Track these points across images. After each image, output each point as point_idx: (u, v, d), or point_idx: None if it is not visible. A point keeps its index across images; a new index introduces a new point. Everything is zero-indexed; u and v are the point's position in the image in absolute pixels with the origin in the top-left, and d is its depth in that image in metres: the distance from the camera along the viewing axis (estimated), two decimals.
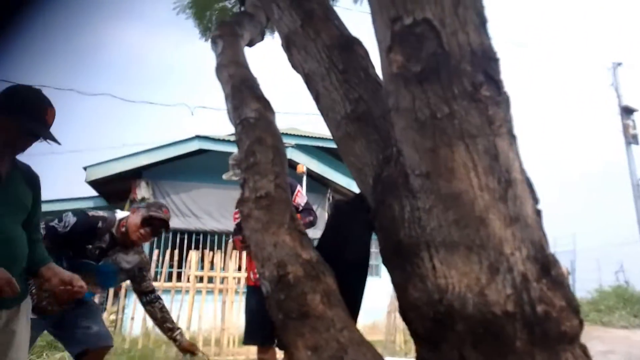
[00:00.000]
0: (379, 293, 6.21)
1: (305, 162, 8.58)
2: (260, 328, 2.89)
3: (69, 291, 1.73)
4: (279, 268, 1.02)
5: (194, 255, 6.66)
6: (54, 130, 1.74)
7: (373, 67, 1.45)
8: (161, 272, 6.75)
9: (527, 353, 0.87)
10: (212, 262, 6.81)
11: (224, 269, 6.87)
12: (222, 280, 6.70)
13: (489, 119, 0.95)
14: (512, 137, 0.99)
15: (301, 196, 3.22)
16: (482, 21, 1.03)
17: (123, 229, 2.41)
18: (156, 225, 2.45)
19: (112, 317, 6.56)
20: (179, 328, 2.68)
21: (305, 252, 1.05)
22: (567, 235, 14.53)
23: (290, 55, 1.58)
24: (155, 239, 8.18)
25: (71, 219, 2.28)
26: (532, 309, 0.88)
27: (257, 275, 1.14)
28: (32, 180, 1.81)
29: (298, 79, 1.59)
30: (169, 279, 6.78)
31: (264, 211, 1.12)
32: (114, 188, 8.72)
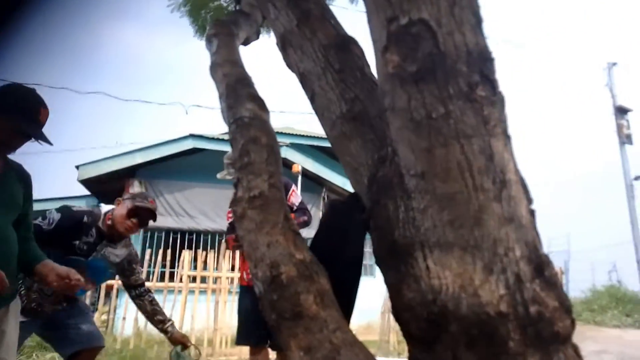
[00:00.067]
0: (373, 293, 6.22)
1: (300, 161, 8.57)
2: (253, 328, 2.87)
3: (67, 285, 1.71)
4: (272, 268, 1.02)
5: (186, 255, 6.63)
6: (47, 129, 1.73)
7: (369, 67, 1.45)
8: (154, 272, 6.71)
9: (520, 353, 0.87)
10: (205, 262, 6.79)
11: (217, 268, 6.85)
12: (215, 280, 6.68)
13: (484, 119, 0.95)
14: (507, 138, 0.99)
15: (296, 196, 3.21)
16: (478, 21, 1.03)
17: (109, 222, 2.38)
18: (143, 215, 2.43)
19: (104, 317, 6.51)
20: (170, 320, 2.66)
21: (298, 252, 1.05)
22: (562, 235, 14.66)
23: (285, 55, 1.57)
24: (148, 238, 8.18)
25: (55, 216, 2.26)
26: (525, 309, 0.88)
27: (250, 275, 1.13)
28: (24, 179, 1.80)
29: (293, 78, 1.59)
30: (162, 278, 6.75)
31: (258, 211, 1.12)
32: (107, 187, 8.66)
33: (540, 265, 0.94)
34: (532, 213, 1.00)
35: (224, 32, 1.86)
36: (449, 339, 0.92)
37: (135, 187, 8.27)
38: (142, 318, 5.75)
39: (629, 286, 11.51)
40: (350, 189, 1.41)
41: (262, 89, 1.56)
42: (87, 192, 9.37)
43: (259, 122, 1.37)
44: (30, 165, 1.87)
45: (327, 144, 1.49)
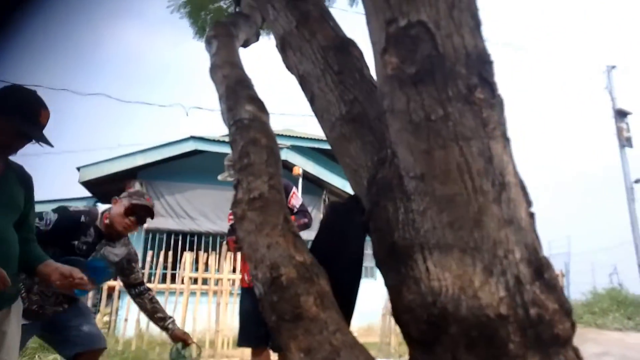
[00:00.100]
0: (374, 295, 6.22)
1: (301, 164, 8.58)
2: (254, 330, 2.87)
3: (70, 283, 1.71)
4: (272, 270, 1.02)
5: (188, 257, 6.63)
6: (48, 130, 1.74)
7: (368, 69, 1.45)
8: (155, 274, 6.71)
9: (520, 356, 0.86)
10: (206, 264, 6.79)
11: (218, 270, 6.85)
12: (217, 281, 6.68)
13: (483, 121, 0.95)
14: (506, 140, 0.99)
15: (296, 198, 3.21)
16: (477, 23, 1.03)
17: (107, 221, 2.38)
18: (140, 213, 2.43)
19: (106, 318, 6.52)
20: (170, 317, 2.66)
21: (298, 254, 1.05)
22: (562, 237, 14.63)
23: (285, 57, 1.58)
24: (150, 240, 8.19)
25: (52, 216, 2.26)
26: (525, 311, 0.88)
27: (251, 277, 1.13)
28: (25, 181, 1.81)
29: (293, 80, 1.59)
30: (163, 280, 6.74)
31: (258, 212, 1.12)
32: (108, 189, 8.66)
33: (540, 267, 0.94)
34: (531, 215, 1.00)
35: (223, 34, 1.87)
36: (449, 340, 0.91)
37: (137, 189, 8.27)
38: (144, 319, 5.76)
39: (630, 289, 11.47)
40: (351, 191, 1.41)
41: (263, 91, 1.57)
42: (88, 194, 9.38)
43: (259, 124, 1.37)
44: (31, 166, 1.88)
45: (328, 146, 1.49)
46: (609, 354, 5.85)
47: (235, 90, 1.50)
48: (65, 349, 2.33)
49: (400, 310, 1.00)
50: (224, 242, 6.93)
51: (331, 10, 1.66)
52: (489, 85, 0.99)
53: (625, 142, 12.28)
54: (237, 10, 2.50)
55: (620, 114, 12.46)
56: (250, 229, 1.10)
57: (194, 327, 6.11)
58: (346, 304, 1.11)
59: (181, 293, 6.36)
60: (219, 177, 3.46)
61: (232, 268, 6.83)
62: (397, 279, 1.00)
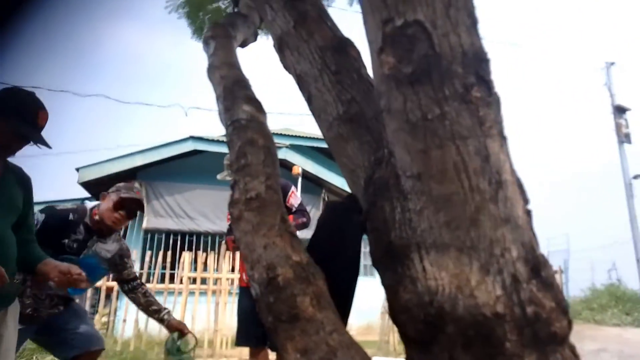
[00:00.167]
0: (373, 294, 6.21)
1: (300, 163, 8.58)
2: (252, 329, 2.87)
3: (69, 280, 1.71)
4: (269, 270, 1.02)
5: (187, 257, 6.63)
6: (47, 132, 1.74)
7: (365, 69, 1.46)
8: (154, 274, 6.71)
9: (517, 354, 0.87)
10: (205, 264, 6.79)
11: (217, 270, 6.84)
12: (215, 281, 6.67)
13: (480, 120, 0.95)
14: (503, 138, 0.99)
15: (295, 197, 3.21)
16: (474, 22, 1.03)
17: (97, 217, 2.36)
18: (129, 207, 2.40)
19: (104, 319, 6.51)
20: (165, 308, 2.64)
21: (295, 254, 1.05)
22: (561, 234, 14.64)
23: (282, 57, 1.58)
24: (148, 240, 8.19)
25: (39, 217, 2.23)
26: (522, 310, 0.88)
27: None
28: (23, 182, 1.80)
29: (292, 79, 1.59)
30: (162, 280, 6.75)
31: (255, 213, 1.12)
32: (107, 189, 8.64)
33: (537, 265, 0.94)
34: (528, 213, 1.00)
35: (221, 34, 1.87)
36: (446, 340, 0.92)
37: None
38: (142, 320, 5.76)
39: (629, 285, 11.50)
40: (350, 190, 1.41)
41: (262, 90, 1.57)
42: (87, 195, 9.36)
43: (256, 124, 1.37)
44: (31, 168, 1.88)
45: (327, 145, 1.49)
46: (607, 350, 5.86)
47: (233, 91, 1.50)
48: (63, 351, 2.30)
49: (397, 309, 1.00)
50: (223, 242, 6.93)
51: (330, 10, 1.66)
52: (486, 83, 0.99)
53: (624, 138, 12.30)
54: (235, 10, 2.50)
55: (619, 110, 12.47)
56: (247, 230, 1.10)
57: (192, 326, 6.10)
58: (343, 304, 1.11)
59: (180, 293, 6.36)
60: (218, 177, 3.46)
61: (230, 267, 6.82)
62: (394, 279, 1.00)
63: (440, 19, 0.98)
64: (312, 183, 9.25)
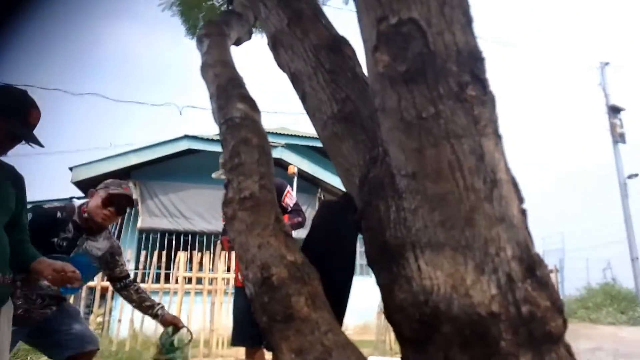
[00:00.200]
0: (369, 293, 6.21)
1: (296, 162, 8.56)
2: (248, 329, 2.86)
3: (63, 277, 1.70)
4: (263, 270, 1.01)
5: (182, 256, 6.60)
6: (40, 131, 1.72)
7: (360, 67, 1.45)
8: (149, 274, 6.68)
9: (512, 354, 0.86)
10: (200, 263, 6.76)
11: (212, 270, 6.82)
12: (211, 281, 6.66)
13: (475, 118, 0.95)
14: (498, 137, 0.99)
15: (290, 197, 3.20)
16: (468, 20, 1.03)
17: (85, 215, 2.33)
18: (118, 203, 2.37)
19: (99, 319, 6.47)
20: (159, 304, 2.62)
21: (290, 254, 1.04)
22: (556, 233, 14.71)
23: (276, 55, 1.57)
24: (143, 240, 8.15)
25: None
26: (517, 309, 0.88)
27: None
28: (16, 181, 1.79)
29: (288, 79, 1.58)
30: (157, 280, 6.72)
31: (249, 212, 1.11)
32: None
33: (532, 265, 0.94)
34: (523, 212, 1.00)
35: (215, 33, 1.86)
36: (441, 339, 0.91)
37: (130, 189, 8.24)
38: (138, 320, 5.74)
39: (624, 284, 11.57)
40: (345, 190, 1.40)
41: (257, 89, 1.56)
42: (81, 194, 9.31)
43: (250, 123, 1.36)
44: (24, 167, 1.86)
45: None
46: (602, 348, 5.89)
47: (226, 89, 1.49)
48: (57, 353, 2.28)
49: (392, 309, 1.00)
50: (218, 242, 6.91)
51: (326, 9, 1.65)
52: (481, 82, 0.98)
53: (618, 138, 12.37)
54: (229, 8, 2.48)
55: (614, 110, 12.54)
56: (241, 229, 1.09)
57: (188, 326, 6.08)
58: (338, 304, 1.11)
59: (175, 293, 6.33)
60: (213, 175, 3.45)
61: (226, 267, 6.81)
62: (389, 278, 0.99)
63: (434, 17, 0.98)
64: (308, 182, 9.24)
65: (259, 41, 2.67)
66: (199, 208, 8.63)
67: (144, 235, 8.27)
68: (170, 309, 5.87)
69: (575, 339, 0.99)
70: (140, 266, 6.52)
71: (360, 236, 1.22)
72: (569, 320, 0.96)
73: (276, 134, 9.88)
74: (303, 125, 10.91)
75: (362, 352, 0.99)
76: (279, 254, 1.03)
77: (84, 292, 6.60)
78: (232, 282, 6.15)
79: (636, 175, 12.25)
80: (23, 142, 1.69)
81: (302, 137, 10.28)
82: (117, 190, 2.38)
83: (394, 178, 1.02)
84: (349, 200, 1.29)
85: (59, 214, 2.31)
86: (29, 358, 4.51)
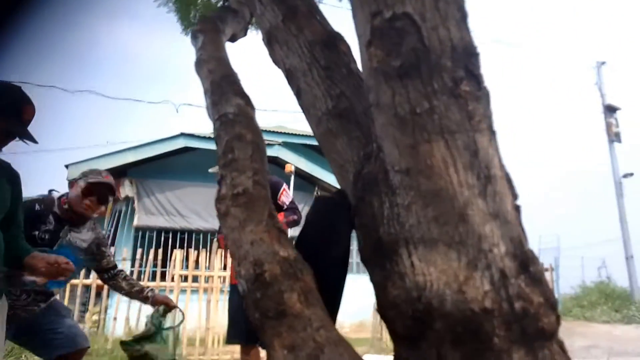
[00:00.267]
0: (365, 291, 6.21)
1: (293, 160, 8.54)
2: (243, 327, 2.85)
3: (57, 269, 1.69)
4: (256, 266, 1.00)
5: (178, 254, 6.58)
6: (36, 128, 1.70)
7: (355, 64, 1.44)
8: (145, 272, 6.65)
9: (505, 350, 0.86)
10: (196, 261, 6.74)
11: (208, 267, 6.80)
12: (207, 279, 6.64)
13: (469, 114, 0.95)
14: (492, 133, 0.99)
15: (286, 195, 3.19)
16: (463, 16, 1.02)
17: (66, 206, 2.29)
18: (99, 192, 2.33)
19: (95, 317, 6.45)
20: (148, 287, 2.59)
21: (283, 250, 1.03)
22: (552, 232, 14.75)
23: (271, 51, 1.56)
24: (139, 237, 8.12)
25: None
26: (510, 305, 0.88)
27: None
28: (12, 178, 1.77)
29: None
30: (153, 278, 6.69)
31: (242, 208, 1.10)
32: None
33: (525, 261, 0.93)
34: (517, 209, 1.00)
35: (209, 29, 1.84)
36: (434, 336, 0.91)
37: (126, 187, 8.21)
38: (133, 318, 5.71)
39: (618, 282, 11.64)
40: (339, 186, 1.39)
41: (254, 87, 1.55)
42: None
43: (244, 119, 1.35)
44: (20, 164, 1.84)
45: None
46: (597, 346, 5.91)
47: (221, 85, 1.48)
48: (46, 352, 2.23)
49: (385, 306, 1.00)
50: (215, 240, 6.89)
51: (323, 7, 1.64)
52: (475, 77, 0.98)
53: (614, 137, 12.42)
54: (225, 4, 2.47)
55: (610, 110, 12.59)
56: (234, 226, 1.09)
57: (184, 324, 6.07)
58: (332, 300, 1.10)
59: (171, 291, 6.30)
60: (210, 170, 3.43)
61: (222, 265, 6.79)
62: (383, 275, 0.99)
63: (429, 12, 0.97)
64: (305, 181, 9.22)
65: (256, 38, 2.65)
66: (196, 206, 8.61)
67: (140, 233, 8.24)
68: None
69: (570, 337, 0.99)
70: (137, 264, 6.50)
71: (354, 233, 1.21)
72: (563, 319, 0.96)
73: (273, 132, 9.84)
74: (300, 123, 10.88)
75: (358, 350, 0.99)
76: (271, 250, 1.03)
77: (79, 290, 6.57)
78: (228, 280, 6.14)
79: (631, 174, 12.31)
80: (17, 138, 1.67)
81: (299, 135, 10.26)
82: (96, 178, 2.33)
83: (388, 174, 1.02)
84: (343, 197, 1.28)
85: (37, 207, 2.27)
86: (23, 356, 4.48)
